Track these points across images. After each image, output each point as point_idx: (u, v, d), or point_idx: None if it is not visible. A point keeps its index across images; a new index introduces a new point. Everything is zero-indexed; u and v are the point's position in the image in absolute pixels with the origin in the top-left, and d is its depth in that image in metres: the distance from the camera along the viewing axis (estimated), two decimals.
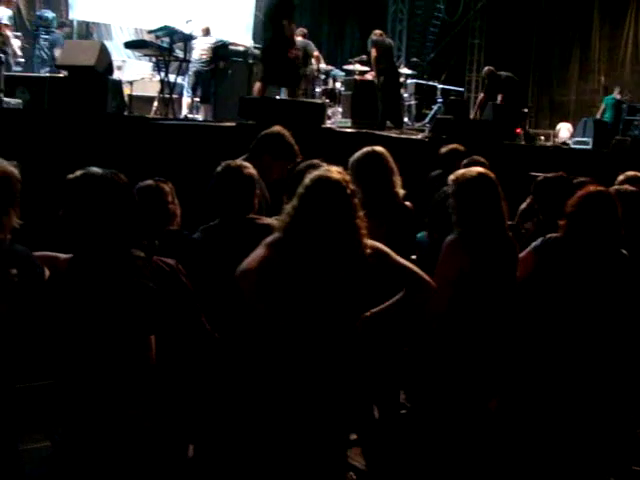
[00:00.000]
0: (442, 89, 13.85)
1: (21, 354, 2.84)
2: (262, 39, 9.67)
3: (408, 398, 4.49)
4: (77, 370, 2.80)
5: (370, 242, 3.24)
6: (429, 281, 3.30)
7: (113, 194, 2.84)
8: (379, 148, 4.41)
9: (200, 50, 11.63)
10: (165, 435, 2.96)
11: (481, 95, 13.62)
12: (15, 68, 11.11)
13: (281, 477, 3.24)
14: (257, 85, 9.16)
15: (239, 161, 3.93)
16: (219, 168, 3.87)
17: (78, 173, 2.87)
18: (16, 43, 11.43)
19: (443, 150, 6.34)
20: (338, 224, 3.15)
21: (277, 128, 4.95)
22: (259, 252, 3.18)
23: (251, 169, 3.86)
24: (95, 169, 2.88)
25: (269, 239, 3.23)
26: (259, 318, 3.13)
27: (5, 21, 10.94)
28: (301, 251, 3.16)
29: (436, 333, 3.80)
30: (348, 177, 3.26)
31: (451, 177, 3.88)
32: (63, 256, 3.02)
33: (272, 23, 8.80)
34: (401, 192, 4.38)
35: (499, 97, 12.58)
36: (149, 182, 3.61)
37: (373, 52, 11.24)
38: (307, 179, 3.24)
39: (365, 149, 4.38)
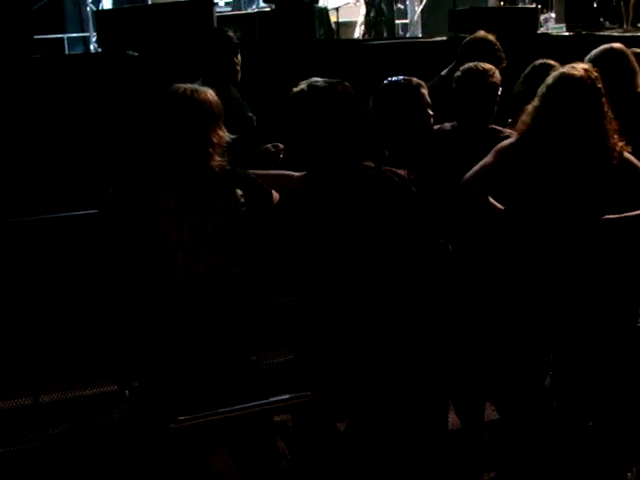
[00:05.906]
0: None
1: (257, 273, 2.90)
2: None
3: None
4: (321, 286, 2.79)
5: (620, 151, 3.03)
6: None
7: (341, 104, 2.76)
8: (618, 45, 4.09)
9: None
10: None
11: None
12: (224, 8, 11.43)
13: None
14: None
15: (484, 65, 3.77)
16: (461, 71, 3.76)
17: (304, 86, 2.81)
18: None
19: None
20: (584, 125, 2.98)
21: (481, 33, 4.80)
22: (485, 160, 3.16)
23: (496, 77, 3.72)
24: (320, 80, 2.81)
25: (500, 145, 3.17)
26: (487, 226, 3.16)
27: None
28: (539, 155, 3.04)
29: None
30: (595, 74, 3.09)
31: None
32: (296, 174, 3.01)
33: None
34: None
35: None
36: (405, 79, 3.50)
37: None
38: (550, 77, 3.12)
39: (603, 46, 4.08)
